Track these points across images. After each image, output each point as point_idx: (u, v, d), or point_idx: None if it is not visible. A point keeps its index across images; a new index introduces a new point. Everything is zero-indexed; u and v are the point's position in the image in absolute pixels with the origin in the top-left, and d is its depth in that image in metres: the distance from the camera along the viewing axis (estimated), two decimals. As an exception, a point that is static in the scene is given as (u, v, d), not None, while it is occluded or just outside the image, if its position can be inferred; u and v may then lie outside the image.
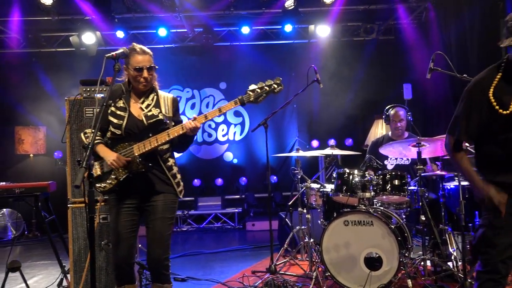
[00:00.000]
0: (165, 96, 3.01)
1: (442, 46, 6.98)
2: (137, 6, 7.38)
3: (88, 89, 3.87)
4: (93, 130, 2.40)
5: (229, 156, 8.87)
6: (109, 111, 2.83)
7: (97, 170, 2.82)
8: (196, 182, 8.63)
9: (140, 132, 2.81)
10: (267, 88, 2.82)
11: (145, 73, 2.83)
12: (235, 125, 8.86)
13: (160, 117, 2.86)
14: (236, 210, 8.20)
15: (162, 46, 8.32)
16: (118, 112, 2.85)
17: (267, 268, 4.34)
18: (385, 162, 4.80)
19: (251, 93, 2.81)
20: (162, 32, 7.97)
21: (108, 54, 2.65)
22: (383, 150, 4.28)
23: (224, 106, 2.83)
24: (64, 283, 4.14)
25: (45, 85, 8.38)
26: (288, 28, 8.00)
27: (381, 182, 4.00)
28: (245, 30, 8.06)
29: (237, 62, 8.66)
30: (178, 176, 2.99)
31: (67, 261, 3.86)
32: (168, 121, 2.89)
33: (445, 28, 7.08)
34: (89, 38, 7.75)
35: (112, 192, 2.84)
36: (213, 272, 4.83)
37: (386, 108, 4.88)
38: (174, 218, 2.98)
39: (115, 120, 2.83)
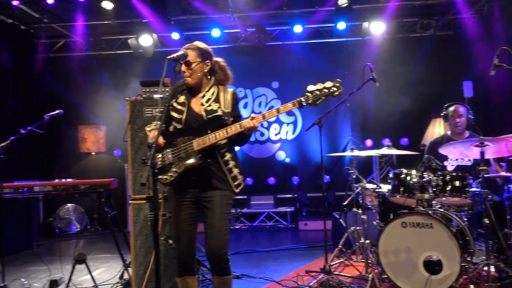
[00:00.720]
0: (225, 90, 3.07)
1: (506, 41, 6.63)
2: (192, 8, 7.53)
3: (148, 90, 4.00)
4: (157, 125, 2.48)
5: (281, 155, 8.89)
6: (170, 107, 2.95)
7: (158, 163, 2.91)
8: (249, 180, 8.71)
9: (200, 126, 2.89)
10: (326, 91, 2.78)
11: (183, 67, 2.92)
12: (288, 124, 8.86)
13: (219, 112, 2.92)
14: (289, 209, 8.20)
15: (216, 46, 8.35)
16: (179, 107, 2.96)
17: (322, 268, 4.32)
18: (445, 162, 4.63)
19: (309, 94, 2.78)
20: (216, 32, 8.13)
21: (169, 56, 2.72)
22: (443, 150, 4.13)
23: (282, 107, 2.82)
24: (126, 275, 4.32)
25: (105, 86, 8.81)
26: (341, 26, 7.89)
27: (440, 183, 3.86)
28: (298, 29, 8.05)
29: (289, 61, 8.65)
30: (235, 170, 3.03)
31: (128, 255, 4.02)
32: (226, 117, 2.94)
33: (509, 21, 6.72)
34: (146, 40, 8.05)
35: (173, 185, 2.93)
36: (267, 271, 4.86)
37: (445, 105, 4.71)
38: (231, 213, 3.03)
39: (175, 115, 2.94)
